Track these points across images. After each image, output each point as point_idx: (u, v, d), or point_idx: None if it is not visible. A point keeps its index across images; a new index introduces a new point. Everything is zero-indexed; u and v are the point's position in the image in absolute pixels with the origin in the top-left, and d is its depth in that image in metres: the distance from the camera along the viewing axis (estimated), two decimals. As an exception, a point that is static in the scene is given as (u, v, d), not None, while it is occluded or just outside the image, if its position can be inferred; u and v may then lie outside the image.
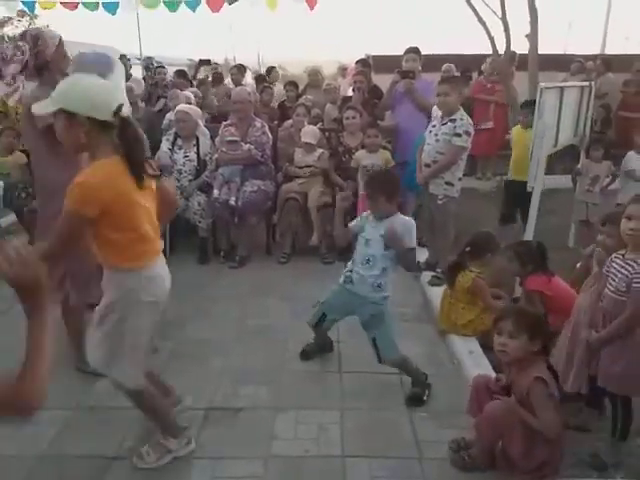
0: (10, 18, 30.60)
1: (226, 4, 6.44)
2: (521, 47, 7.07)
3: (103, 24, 11.23)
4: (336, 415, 2.58)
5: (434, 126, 3.90)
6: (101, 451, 2.32)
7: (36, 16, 29.86)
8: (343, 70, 8.57)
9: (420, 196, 4.28)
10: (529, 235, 3.66)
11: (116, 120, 1.84)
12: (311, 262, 4.45)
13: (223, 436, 2.44)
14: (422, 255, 4.32)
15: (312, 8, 6.38)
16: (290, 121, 5.06)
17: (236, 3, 6.48)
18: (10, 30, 30.88)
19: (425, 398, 2.72)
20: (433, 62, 6.35)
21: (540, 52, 6.96)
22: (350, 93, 5.56)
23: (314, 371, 2.95)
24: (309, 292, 3.89)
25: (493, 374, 2.55)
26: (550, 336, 2.27)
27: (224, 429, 2.49)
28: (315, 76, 6.46)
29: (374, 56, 7.75)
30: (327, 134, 5.04)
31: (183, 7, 6.63)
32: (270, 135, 4.79)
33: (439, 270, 3.95)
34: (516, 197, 4.27)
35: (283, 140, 4.94)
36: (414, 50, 4.89)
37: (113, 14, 6.40)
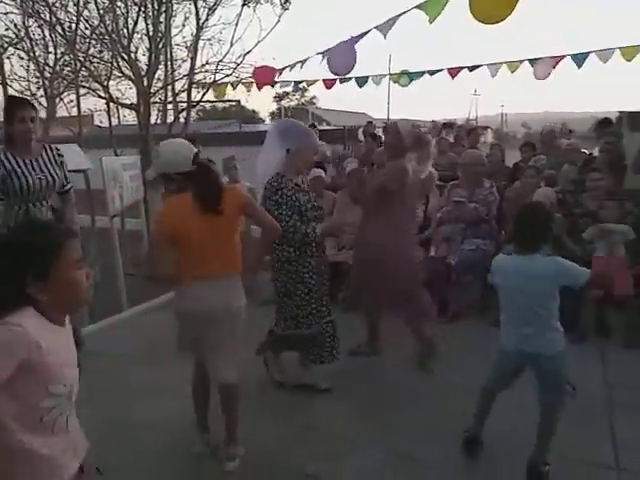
0: (287, 93, 37.19)
1: (466, 70, 6.75)
2: None
3: (359, 92, 12.72)
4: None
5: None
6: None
7: (306, 89, 35.48)
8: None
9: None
10: None
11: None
12: (529, 329, 4.18)
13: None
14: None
15: (554, 67, 6.18)
16: (519, 182, 4.95)
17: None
18: (286, 103, 37.36)
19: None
20: None
21: None
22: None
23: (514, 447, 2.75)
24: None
25: None
26: None
27: (404, 478, 2.54)
28: (550, 135, 6.17)
29: (630, 113, 7.00)
30: (561, 196, 4.78)
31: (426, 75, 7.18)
32: (497, 195, 4.78)
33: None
34: None
35: (509, 201, 4.85)
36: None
37: (361, 87, 7.35)
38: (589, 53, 6.19)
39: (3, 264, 1.26)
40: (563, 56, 6.33)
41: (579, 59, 6.14)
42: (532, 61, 6.34)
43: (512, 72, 6.51)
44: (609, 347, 3.89)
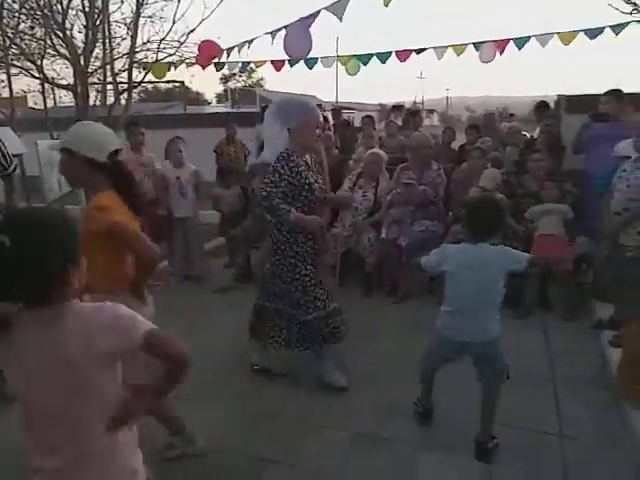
0: (234, 74, 36.35)
1: (414, 54, 6.79)
2: None
3: (308, 75, 12.58)
4: (483, 468, 2.48)
5: (624, 170, 3.56)
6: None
7: (253, 70, 34.76)
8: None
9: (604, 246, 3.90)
10: None
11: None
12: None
13: (364, 463, 2.53)
14: (606, 311, 3.91)
15: (501, 52, 6.33)
16: (465, 164, 5.07)
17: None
18: (233, 84, 36.55)
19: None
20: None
21: None
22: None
23: (469, 419, 2.84)
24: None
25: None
26: None
27: (366, 457, 2.58)
28: (490, 118, 6.36)
29: (567, 96, 7.28)
30: (505, 177, 4.94)
31: (374, 60, 7.15)
32: (444, 177, 4.88)
33: (625, 330, 3.52)
34: None
35: (456, 182, 4.96)
36: (612, 93, 4.61)
37: (310, 68, 7.20)
38: (530, 37, 6.37)
39: (54, 247, 1.20)
40: (507, 40, 6.47)
41: (520, 42, 6.31)
42: (476, 45, 6.46)
43: (458, 55, 6.60)
44: (551, 320, 4.09)
